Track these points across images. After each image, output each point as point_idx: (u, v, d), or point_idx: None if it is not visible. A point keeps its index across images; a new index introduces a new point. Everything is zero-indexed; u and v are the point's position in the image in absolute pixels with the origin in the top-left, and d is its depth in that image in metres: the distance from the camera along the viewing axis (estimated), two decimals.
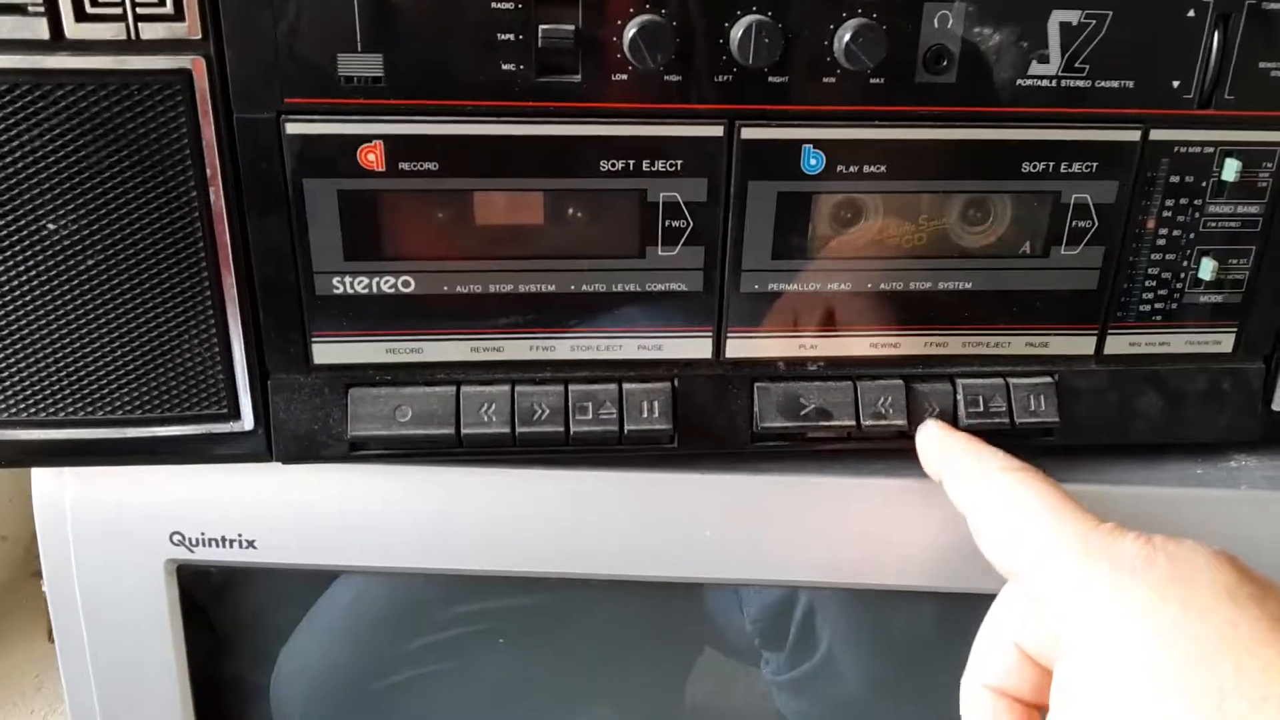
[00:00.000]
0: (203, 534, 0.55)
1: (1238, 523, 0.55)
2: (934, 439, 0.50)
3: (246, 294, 0.49)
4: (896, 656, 0.66)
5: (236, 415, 0.52)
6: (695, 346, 0.53)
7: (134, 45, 0.44)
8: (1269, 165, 0.51)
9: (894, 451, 0.54)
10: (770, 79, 0.47)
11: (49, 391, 0.50)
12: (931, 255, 0.52)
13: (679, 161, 0.48)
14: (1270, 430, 0.57)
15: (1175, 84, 0.49)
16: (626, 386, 0.53)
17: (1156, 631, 0.35)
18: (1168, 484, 0.55)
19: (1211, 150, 0.50)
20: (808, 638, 0.63)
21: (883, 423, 0.53)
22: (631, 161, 0.48)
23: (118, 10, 0.43)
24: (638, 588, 0.60)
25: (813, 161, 0.49)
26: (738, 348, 0.53)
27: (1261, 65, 0.49)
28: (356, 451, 0.52)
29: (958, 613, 0.61)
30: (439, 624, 0.65)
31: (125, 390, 0.50)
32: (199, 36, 0.44)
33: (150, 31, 0.44)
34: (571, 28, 0.45)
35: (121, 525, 0.55)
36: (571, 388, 0.52)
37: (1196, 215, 0.52)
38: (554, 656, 0.66)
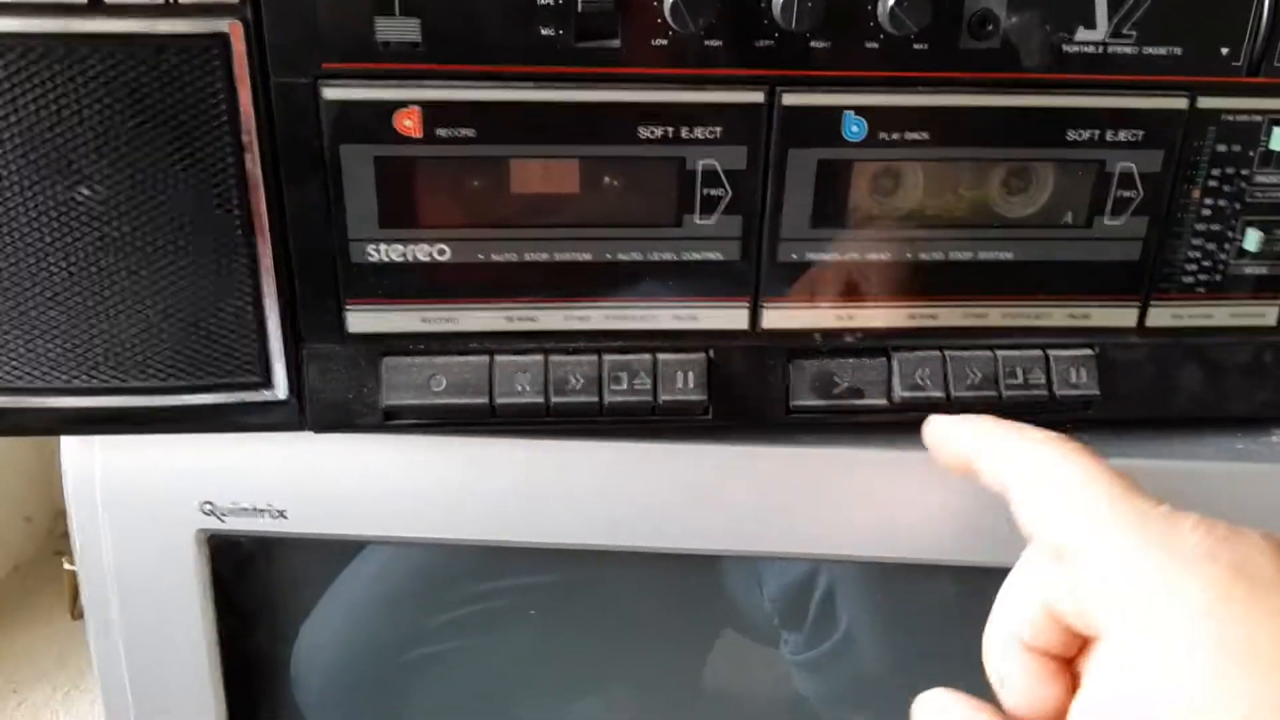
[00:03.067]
0: (234, 503, 0.55)
1: (1277, 498, 0.54)
2: (949, 422, 0.47)
3: (282, 262, 0.49)
4: (916, 636, 0.65)
5: (269, 384, 0.51)
6: (731, 317, 0.52)
7: (170, 9, 0.44)
8: None
9: None
10: (812, 44, 0.46)
11: (81, 359, 0.49)
12: (972, 225, 0.51)
13: (718, 128, 0.48)
14: None
15: (1224, 51, 0.48)
16: (661, 357, 0.52)
17: (1215, 635, 0.32)
18: (1208, 458, 0.55)
19: (1260, 119, 0.50)
20: (827, 617, 0.63)
21: (920, 394, 0.53)
22: (670, 128, 0.48)
23: None
24: (658, 564, 0.60)
25: (854, 129, 0.48)
26: (774, 318, 0.52)
27: None
28: (390, 421, 0.52)
29: (978, 589, 0.60)
30: (459, 600, 0.65)
31: (158, 358, 0.50)
32: (236, 1, 0.44)
33: None
34: None
35: (152, 495, 0.55)
36: (606, 358, 0.52)
37: (1243, 185, 0.51)
38: (573, 636, 0.65)
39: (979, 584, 0.58)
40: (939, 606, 0.64)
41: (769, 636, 0.66)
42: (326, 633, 0.65)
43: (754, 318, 0.52)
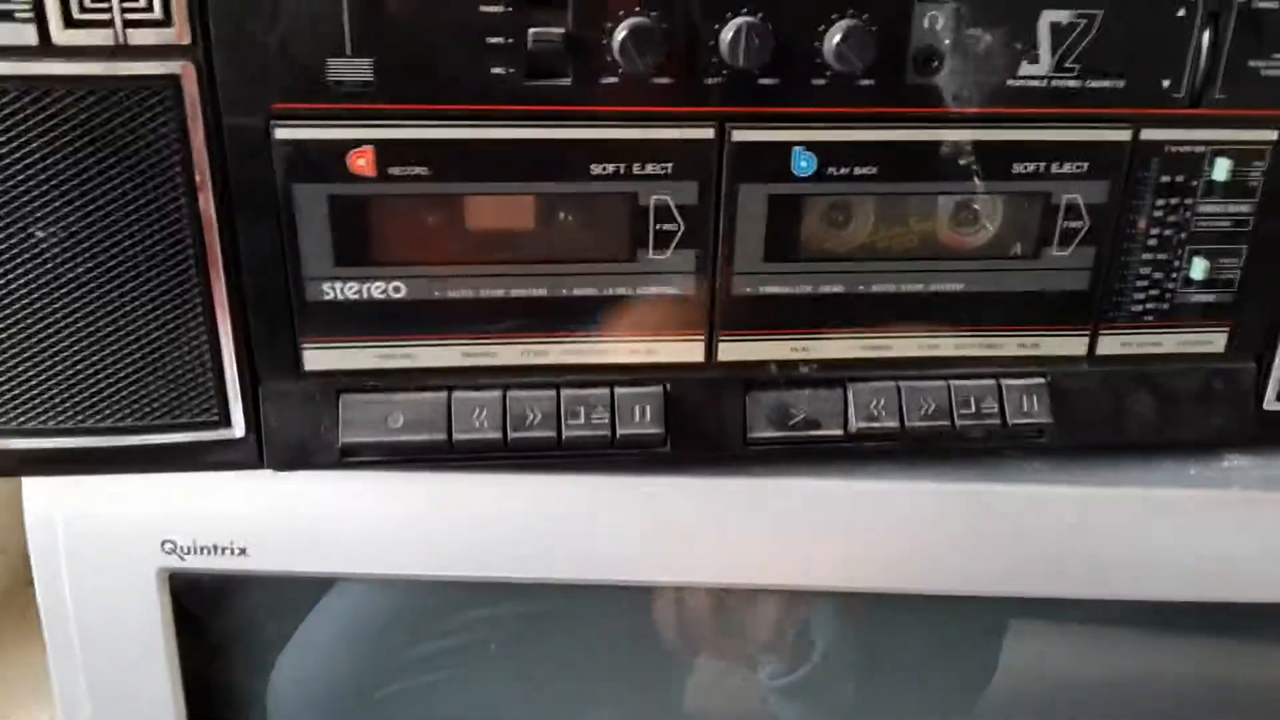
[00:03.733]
0: (194, 542, 0.55)
1: (1230, 524, 0.55)
2: None
3: (237, 301, 0.49)
4: (892, 661, 0.65)
5: (227, 423, 0.51)
6: (687, 350, 0.53)
7: (123, 51, 0.44)
8: (1259, 164, 0.51)
9: (887, 453, 0.54)
10: (760, 81, 0.47)
11: (40, 400, 0.49)
12: (923, 257, 0.52)
13: (670, 164, 0.48)
14: (1263, 430, 0.57)
15: (1166, 83, 0.49)
16: (618, 390, 0.52)
17: None
18: (1160, 485, 0.55)
19: (1202, 150, 0.50)
20: (803, 642, 0.63)
21: (875, 425, 0.53)
22: (622, 165, 0.48)
23: (106, 16, 0.43)
24: (636, 592, 0.60)
25: (803, 163, 0.49)
26: (730, 351, 0.53)
27: (1252, 64, 0.49)
28: (348, 458, 0.52)
29: (951, 616, 0.61)
30: (439, 631, 0.64)
31: (116, 398, 0.50)
32: (188, 42, 0.44)
33: (139, 37, 0.44)
34: (561, 31, 0.45)
35: (113, 534, 0.55)
36: (564, 392, 0.52)
37: (1188, 215, 0.52)
38: (553, 663, 0.65)
39: (953, 608, 0.59)
40: (913, 633, 0.64)
41: (747, 662, 0.66)
42: (304, 666, 0.64)
43: (710, 350, 0.53)
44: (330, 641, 0.64)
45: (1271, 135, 0.50)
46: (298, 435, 0.52)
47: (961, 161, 0.49)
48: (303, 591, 0.63)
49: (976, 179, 0.50)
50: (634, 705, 0.69)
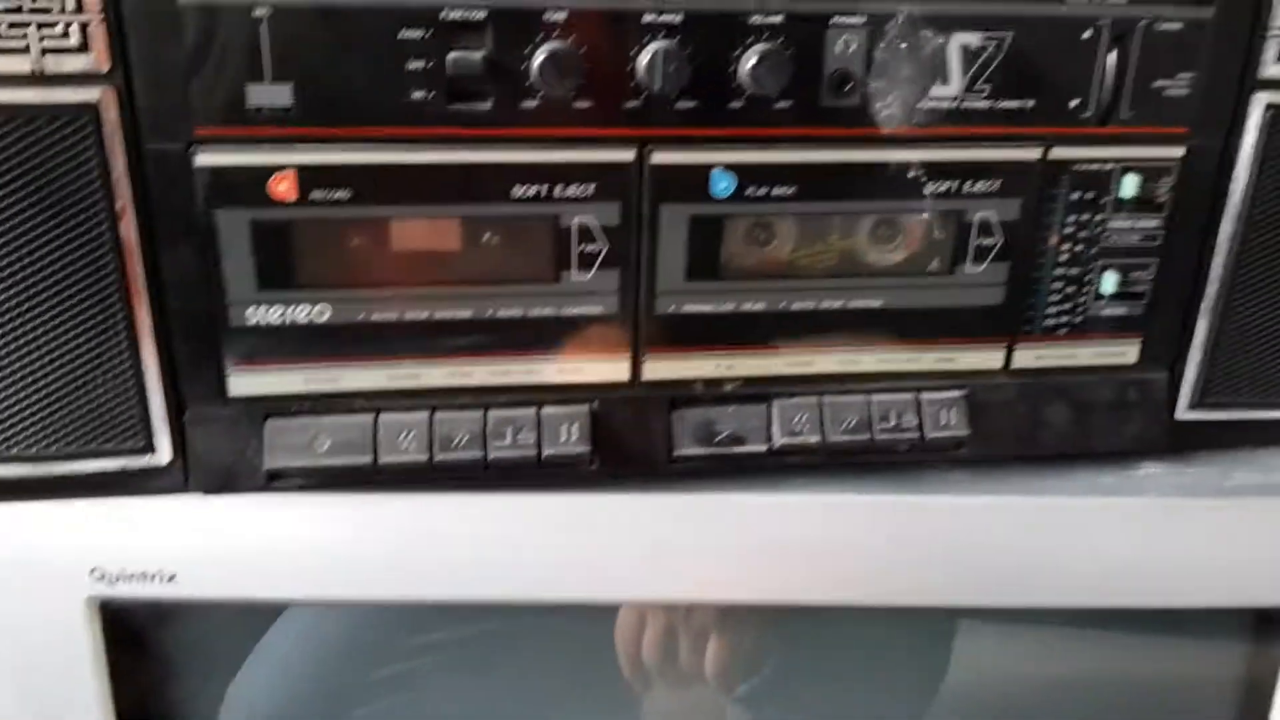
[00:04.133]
0: (123, 569, 0.54)
1: (1145, 531, 0.57)
2: None
3: (161, 326, 0.49)
4: (841, 669, 0.66)
5: (153, 449, 0.51)
6: (613, 369, 0.53)
7: (41, 79, 0.44)
8: (1167, 180, 0.52)
9: (811, 467, 0.55)
10: (678, 104, 0.48)
11: None
12: (843, 274, 0.53)
13: (591, 186, 0.49)
14: (1177, 438, 0.58)
15: (1074, 103, 0.50)
16: (545, 410, 0.53)
17: None
18: (1076, 494, 0.56)
19: (1111, 167, 0.52)
20: (755, 653, 0.64)
21: (798, 439, 0.54)
22: (544, 187, 0.49)
23: (23, 44, 0.43)
24: (590, 608, 0.60)
25: (723, 185, 0.49)
26: (655, 369, 0.53)
27: (1156, 83, 0.50)
28: (275, 482, 0.52)
29: (896, 623, 0.62)
30: (395, 655, 0.64)
31: (40, 426, 0.49)
32: (107, 69, 0.44)
33: (57, 65, 0.44)
34: (480, 55, 0.46)
35: (41, 561, 0.54)
36: (490, 413, 0.52)
37: (1098, 230, 0.53)
38: (512, 682, 0.65)
39: (895, 620, 0.60)
40: (859, 641, 0.65)
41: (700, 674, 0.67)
42: (255, 694, 0.64)
43: (635, 369, 0.53)
44: (283, 670, 0.63)
45: (1177, 152, 0.52)
46: (224, 460, 0.52)
47: (881, 180, 0.50)
48: (245, 618, 0.62)
49: (895, 198, 0.51)
50: (596, 717, 0.69)
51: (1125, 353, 0.56)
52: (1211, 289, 0.54)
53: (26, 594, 0.54)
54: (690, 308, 0.52)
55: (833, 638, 0.65)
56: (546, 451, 0.52)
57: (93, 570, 0.54)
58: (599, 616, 0.62)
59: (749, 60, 0.47)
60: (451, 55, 0.45)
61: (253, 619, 0.62)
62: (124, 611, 0.56)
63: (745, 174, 0.49)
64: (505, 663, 0.64)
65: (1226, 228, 0.53)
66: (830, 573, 0.57)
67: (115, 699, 0.57)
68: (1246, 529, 0.57)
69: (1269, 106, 0.51)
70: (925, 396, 0.55)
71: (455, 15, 0.45)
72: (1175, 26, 0.49)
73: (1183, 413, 0.58)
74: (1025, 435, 0.57)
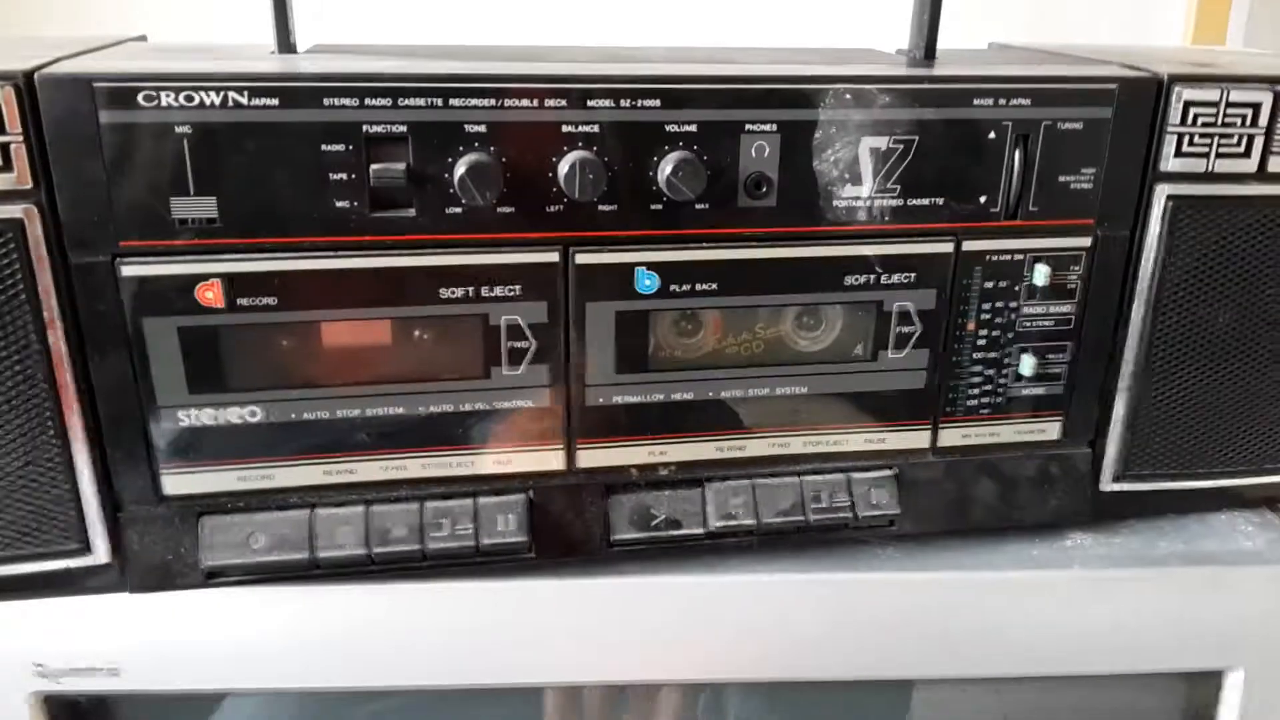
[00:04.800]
0: (66, 664, 0.54)
1: (1070, 602, 0.58)
2: None
3: (93, 430, 0.49)
4: None
5: (89, 549, 0.52)
6: (548, 459, 0.54)
7: None
8: (1076, 269, 0.54)
9: (746, 548, 0.56)
10: (600, 207, 0.49)
11: None
12: (769, 363, 0.54)
13: (517, 286, 0.50)
14: (1101, 510, 0.60)
15: (983, 199, 0.52)
16: (481, 500, 0.54)
17: None
18: (1007, 567, 0.58)
19: (1022, 257, 0.53)
20: (716, 714, 0.64)
21: (733, 523, 0.55)
22: (471, 288, 0.50)
23: None
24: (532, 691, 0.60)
25: (646, 282, 0.51)
26: (589, 458, 0.54)
27: (1061, 178, 0.52)
28: (213, 579, 0.52)
29: (857, 690, 0.63)
30: None
31: None
32: (29, 186, 0.45)
33: None
34: (402, 166, 0.46)
35: None
36: (427, 505, 0.53)
37: (1013, 317, 0.54)
38: None
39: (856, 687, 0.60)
40: (821, 706, 0.66)
41: None
42: None
43: (570, 458, 0.54)
44: None
45: (1085, 242, 0.53)
46: (161, 558, 0.52)
47: (801, 274, 0.52)
48: (189, 707, 0.62)
49: (815, 290, 0.52)
50: None
51: (1047, 430, 0.58)
52: (1126, 369, 0.56)
53: None
54: (620, 399, 0.53)
55: (801, 703, 0.65)
56: (484, 541, 0.53)
57: (36, 666, 0.54)
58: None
59: (665, 167, 0.48)
60: (374, 167, 0.46)
61: (198, 707, 0.62)
62: (68, 705, 0.56)
63: (668, 271, 0.50)
64: None
65: (1137, 311, 0.55)
66: (769, 649, 0.58)
67: None
68: (1172, 596, 0.59)
69: (1169, 198, 0.52)
70: (856, 476, 0.56)
71: (377, 130, 0.46)
72: (1076, 126, 0.51)
73: (1106, 485, 0.59)
74: (955, 511, 0.58)
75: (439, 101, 0.46)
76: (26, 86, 0.44)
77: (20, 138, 0.44)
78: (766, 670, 0.58)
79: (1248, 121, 0.52)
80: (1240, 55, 0.64)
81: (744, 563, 0.57)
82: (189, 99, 0.44)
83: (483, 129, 0.46)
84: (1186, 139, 0.52)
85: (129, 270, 0.47)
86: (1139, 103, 0.51)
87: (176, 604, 0.54)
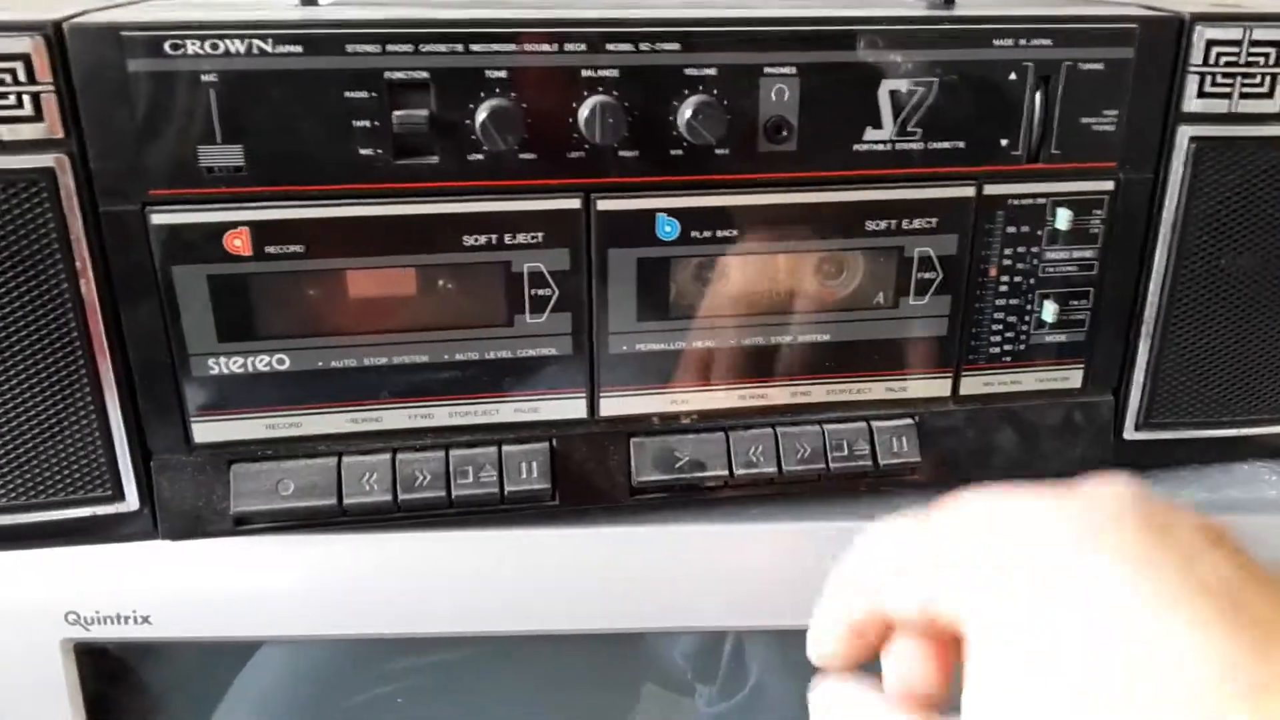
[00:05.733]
0: (97, 612, 0.55)
1: None
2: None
3: (124, 379, 0.50)
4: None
5: (121, 497, 0.52)
6: (571, 407, 0.54)
7: None
8: (1098, 212, 0.54)
9: (767, 497, 0.57)
10: (621, 153, 0.49)
11: None
12: (790, 310, 0.54)
13: (540, 234, 0.50)
14: (1124, 459, 0.60)
15: (1004, 142, 0.52)
16: (505, 448, 0.54)
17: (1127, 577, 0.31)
18: None
19: (1044, 201, 0.53)
20: (738, 670, 0.65)
21: (754, 470, 0.55)
22: (494, 235, 0.50)
23: None
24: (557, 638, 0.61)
25: (667, 229, 0.51)
26: (612, 406, 0.55)
27: (1083, 120, 0.52)
28: (242, 526, 0.53)
29: None
30: (372, 680, 0.65)
31: (10, 478, 0.51)
32: (61, 135, 0.45)
33: (12, 133, 0.45)
34: (425, 113, 0.47)
35: (15, 607, 0.55)
36: (452, 452, 0.54)
37: (1035, 262, 0.54)
38: (500, 705, 0.67)
39: None
40: None
41: (686, 689, 0.68)
42: None
43: (592, 407, 0.55)
44: (262, 702, 0.65)
45: (1107, 185, 0.53)
46: (191, 506, 0.53)
47: (822, 220, 0.52)
48: (221, 655, 0.63)
49: (836, 236, 0.52)
50: None
51: (1069, 378, 0.58)
52: (1149, 314, 0.56)
53: (4, 638, 0.55)
54: (642, 347, 0.53)
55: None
56: (508, 488, 0.54)
57: (68, 614, 0.55)
58: (567, 644, 0.63)
59: (685, 111, 0.48)
60: (397, 114, 0.47)
61: (229, 654, 0.64)
62: (99, 653, 0.57)
63: (689, 218, 0.51)
64: (481, 685, 0.66)
65: (1159, 256, 0.54)
66: (789, 598, 0.58)
67: None
68: None
69: (1193, 139, 0.52)
70: (877, 425, 0.56)
71: (399, 76, 0.46)
72: (1098, 66, 0.51)
73: (1130, 433, 0.59)
74: (976, 460, 0.58)
75: (460, 47, 0.46)
76: (56, 37, 0.44)
77: (51, 87, 0.45)
78: (787, 617, 0.59)
79: (1271, 60, 0.51)
80: None
81: (765, 511, 0.57)
82: (214, 47, 0.45)
83: (504, 74, 0.47)
84: (1209, 79, 0.51)
85: (158, 219, 0.47)
86: (1160, 42, 0.51)
87: (206, 552, 0.55)
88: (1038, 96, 0.51)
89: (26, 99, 0.45)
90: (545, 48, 0.47)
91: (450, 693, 0.64)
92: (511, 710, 0.67)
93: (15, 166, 0.45)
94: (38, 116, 0.45)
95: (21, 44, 0.44)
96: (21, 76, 0.44)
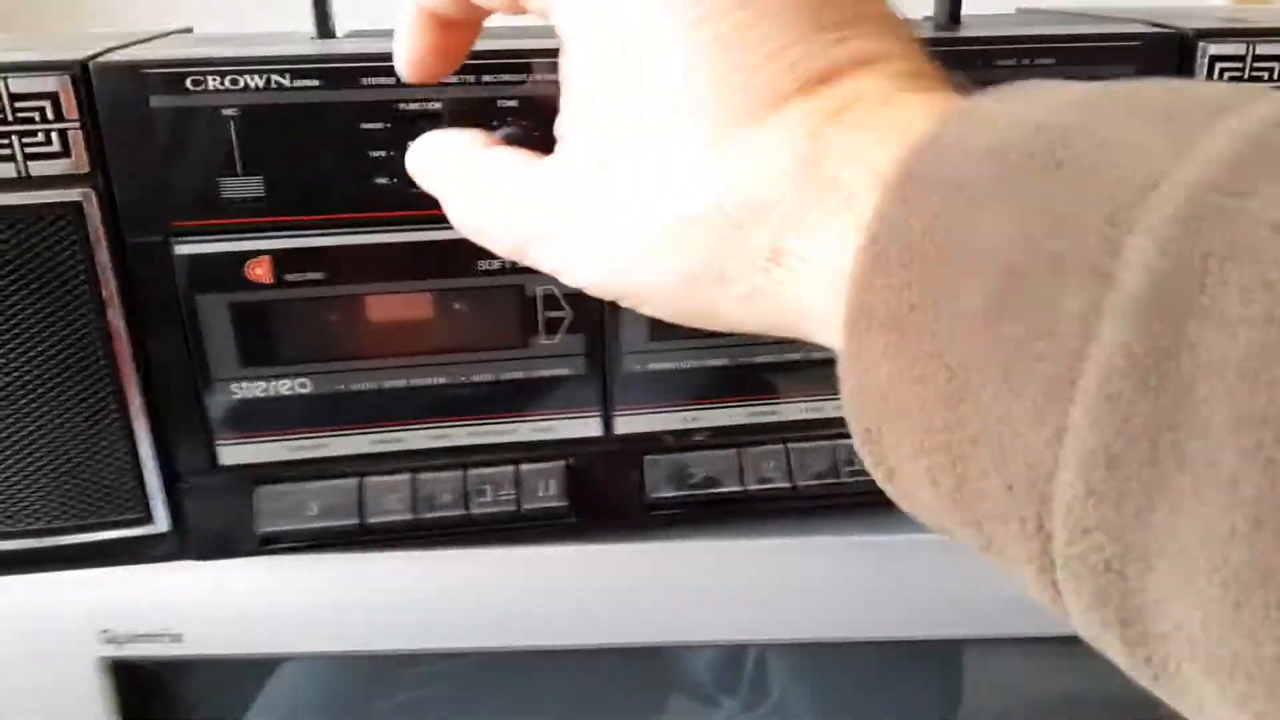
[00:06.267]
0: (131, 630, 0.57)
1: None
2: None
3: (151, 404, 0.51)
4: (847, 701, 0.68)
5: (150, 519, 0.54)
6: (586, 426, 0.55)
7: (26, 182, 0.47)
8: None
9: (779, 512, 0.57)
10: None
11: None
12: None
13: None
14: None
15: None
16: (522, 467, 0.55)
17: None
18: None
19: None
20: (760, 684, 0.66)
21: (768, 486, 0.56)
22: (507, 260, 0.51)
23: (8, 150, 0.46)
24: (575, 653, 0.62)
25: None
26: (626, 424, 0.56)
27: None
28: (268, 546, 0.54)
29: (901, 658, 0.64)
30: (396, 686, 0.67)
31: (42, 503, 0.52)
32: (87, 170, 0.47)
33: (40, 169, 0.47)
34: None
35: (52, 627, 0.57)
36: (470, 471, 0.55)
37: None
38: (523, 716, 0.68)
39: (903, 654, 0.61)
40: (868, 673, 0.67)
41: (709, 701, 0.69)
42: None
43: (607, 425, 0.56)
44: (289, 713, 0.66)
45: None
46: (218, 526, 0.54)
47: None
48: (249, 668, 0.65)
49: None
50: None
51: None
52: None
53: (40, 657, 0.57)
54: (655, 366, 0.54)
55: (843, 667, 0.66)
56: (525, 506, 0.55)
57: (103, 633, 0.57)
58: (589, 656, 0.64)
59: None
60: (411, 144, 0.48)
61: (255, 668, 0.65)
62: (133, 669, 0.59)
63: None
64: (505, 691, 0.67)
65: None
66: (807, 611, 0.59)
67: None
68: None
69: None
70: None
71: (413, 107, 0.48)
72: None
73: None
74: None
75: (471, 78, 0.48)
76: (82, 75, 0.46)
77: (78, 124, 0.46)
78: (806, 631, 0.60)
79: (1276, 75, 0.52)
80: (1273, 10, 0.64)
81: (781, 526, 0.58)
82: (234, 82, 0.46)
83: (514, 103, 0.48)
84: None
85: (182, 249, 0.49)
86: (1164, 59, 0.52)
87: (234, 572, 0.56)
88: None
89: (55, 136, 0.46)
90: (554, 77, 0.48)
91: (472, 703, 0.65)
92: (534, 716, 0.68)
93: (44, 201, 0.47)
94: (65, 153, 0.46)
95: (49, 83, 0.46)
96: (50, 114, 0.46)
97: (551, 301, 0.52)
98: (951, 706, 0.67)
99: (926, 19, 0.58)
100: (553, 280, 0.51)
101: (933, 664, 0.66)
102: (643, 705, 0.69)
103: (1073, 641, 0.58)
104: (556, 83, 0.47)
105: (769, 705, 0.66)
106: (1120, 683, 0.61)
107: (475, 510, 0.54)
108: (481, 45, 0.47)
